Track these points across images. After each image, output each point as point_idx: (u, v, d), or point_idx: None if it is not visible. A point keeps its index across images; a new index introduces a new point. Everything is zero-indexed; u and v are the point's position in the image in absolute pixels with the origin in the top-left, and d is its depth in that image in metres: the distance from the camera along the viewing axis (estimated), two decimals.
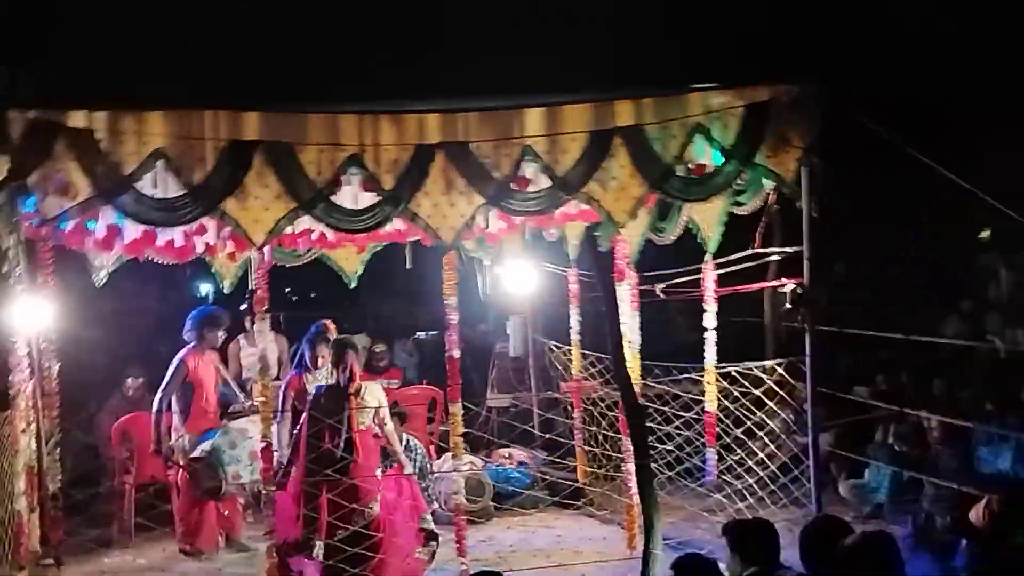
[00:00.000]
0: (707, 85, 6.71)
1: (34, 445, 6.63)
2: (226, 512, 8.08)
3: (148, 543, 8.44)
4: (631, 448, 7.02)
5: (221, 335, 8.51)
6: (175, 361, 8.12)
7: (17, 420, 6.35)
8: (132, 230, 7.32)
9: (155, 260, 8.07)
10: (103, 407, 9.56)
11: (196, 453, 7.77)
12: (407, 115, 6.40)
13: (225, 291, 9.28)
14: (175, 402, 8.03)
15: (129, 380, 9.64)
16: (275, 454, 6.67)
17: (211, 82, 6.40)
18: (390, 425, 7.14)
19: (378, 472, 6.99)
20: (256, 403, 7.51)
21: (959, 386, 9.75)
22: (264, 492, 6.65)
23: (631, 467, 7.15)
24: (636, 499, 7.06)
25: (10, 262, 6.24)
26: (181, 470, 7.91)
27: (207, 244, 8.28)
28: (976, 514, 6.12)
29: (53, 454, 6.83)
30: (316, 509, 6.68)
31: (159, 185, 6.47)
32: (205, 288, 16.67)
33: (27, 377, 6.50)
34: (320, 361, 7.54)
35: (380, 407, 7.00)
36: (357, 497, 6.70)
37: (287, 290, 16.33)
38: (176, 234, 7.86)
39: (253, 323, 8.11)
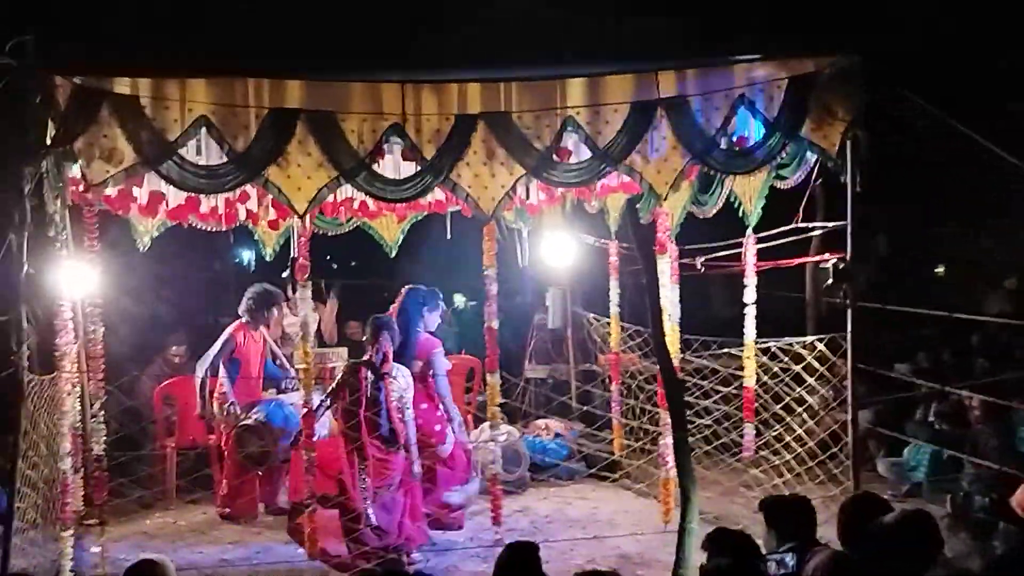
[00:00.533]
0: (751, 56, 6.63)
1: (79, 407, 6.74)
2: (269, 480, 8.15)
3: (188, 506, 8.58)
4: (669, 421, 7.02)
5: (275, 314, 8.55)
6: (224, 334, 8.18)
7: (63, 382, 6.45)
8: (176, 196, 7.40)
9: (198, 226, 8.14)
10: (145, 371, 9.70)
11: (248, 421, 7.82)
12: (449, 84, 6.38)
13: (267, 259, 9.34)
14: (223, 370, 8.08)
15: (173, 348, 9.77)
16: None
17: (254, 50, 6.38)
18: (410, 415, 7.12)
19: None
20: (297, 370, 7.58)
21: (1002, 365, 9.65)
22: (306, 458, 6.71)
23: (668, 441, 7.15)
24: (672, 473, 7.07)
25: (56, 227, 6.31)
26: (227, 436, 7.98)
27: (249, 211, 8.35)
28: (1018, 497, 6.08)
29: (97, 416, 6.95)
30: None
31: (203, 152, 6.53)
32: (247, 255, 16.80)
33: (72, 340, 6.59)
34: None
35: (404, 394, 7.04)
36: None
37: (327, 258, 16.42)
38: (219, 201, 7.94)
39: (295, 291, 8.16)
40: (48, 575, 6.32)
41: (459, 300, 12.69)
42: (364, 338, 7.22)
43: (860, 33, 6.56)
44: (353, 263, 16.47)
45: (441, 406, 7.55)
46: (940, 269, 13.09)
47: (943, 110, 6.48)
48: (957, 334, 10.52)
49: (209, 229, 8.25)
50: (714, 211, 7.86)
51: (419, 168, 6.45)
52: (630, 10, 6.97)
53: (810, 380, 7.51)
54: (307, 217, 6.50)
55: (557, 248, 9.91)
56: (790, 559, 4.49)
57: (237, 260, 16.92)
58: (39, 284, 6.28)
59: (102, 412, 6.99)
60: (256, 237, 9.03)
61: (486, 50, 6.50)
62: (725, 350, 8.29)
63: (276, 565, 7.00)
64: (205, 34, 6.51)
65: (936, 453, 8.28)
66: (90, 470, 6.91)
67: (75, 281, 6.62)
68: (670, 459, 7.15)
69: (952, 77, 8.89)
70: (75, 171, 6.10)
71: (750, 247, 7.83)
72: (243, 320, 8.27)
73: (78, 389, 6.73)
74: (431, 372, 7.56)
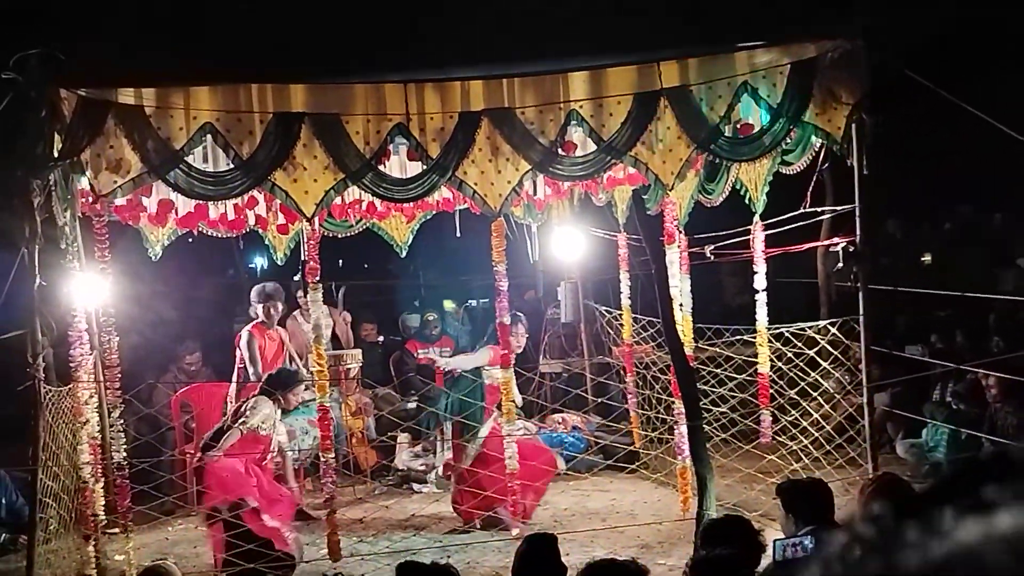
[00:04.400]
0: (753, 43, 6.62)
1: (97, 417, 6.78)
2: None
3: None
4: (683, 411, 7.03)
5: (281, 308, 8.57)
6: (244, 336, 8.21)
7: (80, 392, 6.50)
8: (185, 204, 7.44)
9: (208, 233, 8.19)
10: (161, 379, 9.75)
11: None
12: (451, 82, 6.40)
13: (279, 263, 9.38)
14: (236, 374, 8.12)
15: (187, 356, 9.82)
16: None
17: (256, 55, 6.42)
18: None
19: None
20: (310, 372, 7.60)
21: (1018, 343, 9.60)
22: (323, 460, 6.75)
23: (684, 430, 7.16)
24: (689, 461, 7.07)
25: (67, 239, 6.35)
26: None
27: (258, 217, 8.39)
28: None
29: (116, 425, 7.00)
30: None
31: (209, 159, 6.57)
32: (259, 261, 16.86)
33: (88, 351, 6.64)
34: None
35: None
36: None
37: (340, 262, 16.48)
38: (228, 207, 7.98)
39: (306, 294, 8.19)
40: None
41: (449, 306, 12.60)
42: (379, 339, 7.25)
43: (861, 15, 6.51)
44: (365, 265, 16.53)
45: None
46: (927, 258, 12.98)
47: (949, 90, 6.46)
48: (972, 314, 10.48)
49: (219, 236, 8.29)
50: (721, 199, 7.86)
51: (425, 167, 6.47)
52: (630, 1, 6.97)
53: (824, 364, 7.49)
54: (315, 220, 6.53)
55: (567, 242, 9.93)
56: (809, 542, 4.49)
57: (250, 266, 16.98)
58: (52, 296, 6.33)
59: (120, 421, 7.03)
60: (266, 242, 9.06)
61: (487, 47, 6.51)
62: (738, 337, 8.28)
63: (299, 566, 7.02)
64: (206, 42, 6.55)
65: (954, 433, 8.26)
66: (111, 478, 6.95)
67: (88, 292, 6.66)
68: (686, 448, 7.16)
69: (957, 55, 8.86)
70: (83, 183, 6.14)
71: (758, 234, 7.83)
72: (257, 321, 8.31)
73: (95, 399, 6.77)
74: None
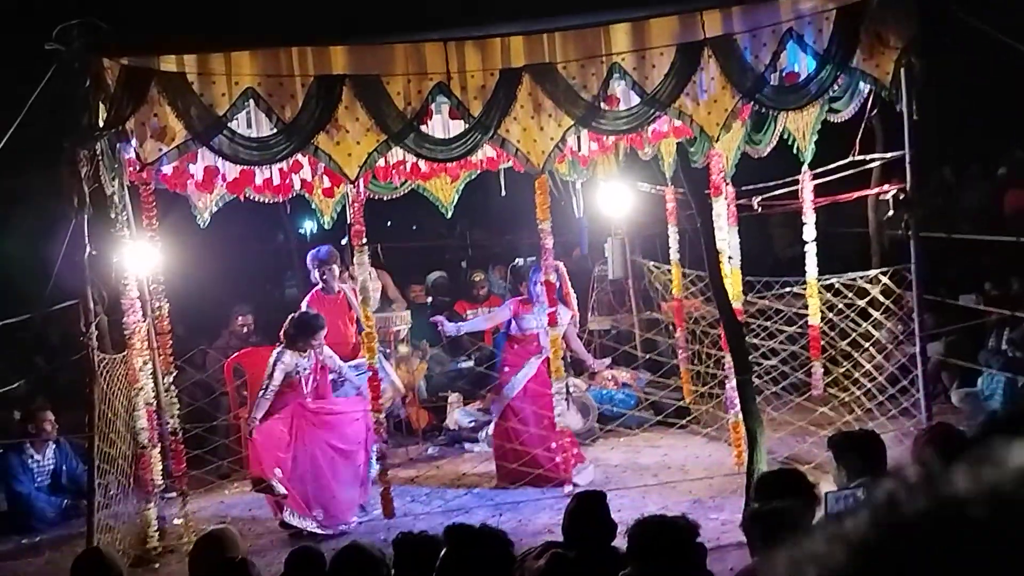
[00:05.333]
0: None
1: (151, 383, 6.89)
2: None
3: None
4: (733, 365, 6.98)
5: (337, 271, 8.54)
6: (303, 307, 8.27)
7: (134, 359, 6.60)
8: (230, 170, 7.47)
9: (255, 199, 8.22)
10: (213, 344, 9.86)
11: None
12: (492, 39, 6.35)
13: (326, 227, 9.40)
14: None
15: (239, 318, 9.90)
16: None
17: (295, 18, 6.42)
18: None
19: None
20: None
21: None
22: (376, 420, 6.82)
23: (734, 384, 7.11)
24: (740, 416, 7.03)
25: (115, 207, 6.42)
26: None
27: (304, 181, 8.41)
28: None
29: (170, 391, 7.10)
30: None
31: (252, 124, 6.59)
32: (308, 225, 16.94)
33: (141, 318, 6.72)
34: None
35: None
36: None
37: (388, 223, 16.52)
38: (273, 172, 8.01)
39: (352, 257, 8.21)
40: (134, 548, 6.51)
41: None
42: (428, 300, 7.27)
43: None
44: (414, 227, 16.55)
45: None
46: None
47: (1000, 29, 6.29)
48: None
49: (266, 201, 8.33)
50: (768, 149, 7.75)
51: (467, 126, 6.44)
52: None
53: (876, 315, 7.40)
54: (359, 182, 6.53)
55: (613, 198, 9.85)
56: (861, 494, 4.45)
57: (300, 231, 17.07)
58: (103, 265, 6.41)
59: (174, 387, 7.12)
60: (313, 206, 9.09)
61: (527, 1, 6.45)
62: (789, 290, 8.20)
63: (352, 532, 7.09)
64: (246, 6, 6.55)
65: (1011, 381, 8.12)
66: (167, 444, 7.06)
67: (138, 260, 6.74)
68: (737, 402, 7.11)
69: None
70: (130, 152, 6.19)
71: (807, 184, 7.71)
72: (317, 288, 8.34)
73: (149, 365, 6.87)
74: None
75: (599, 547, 4.21)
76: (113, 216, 6.42)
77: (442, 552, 3.63)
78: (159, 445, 6.97)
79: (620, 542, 4.20)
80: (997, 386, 8.30)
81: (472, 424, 9.33)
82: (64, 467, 8.04)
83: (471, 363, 10.06)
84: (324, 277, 8.32)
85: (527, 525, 6.88)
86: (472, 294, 10.79)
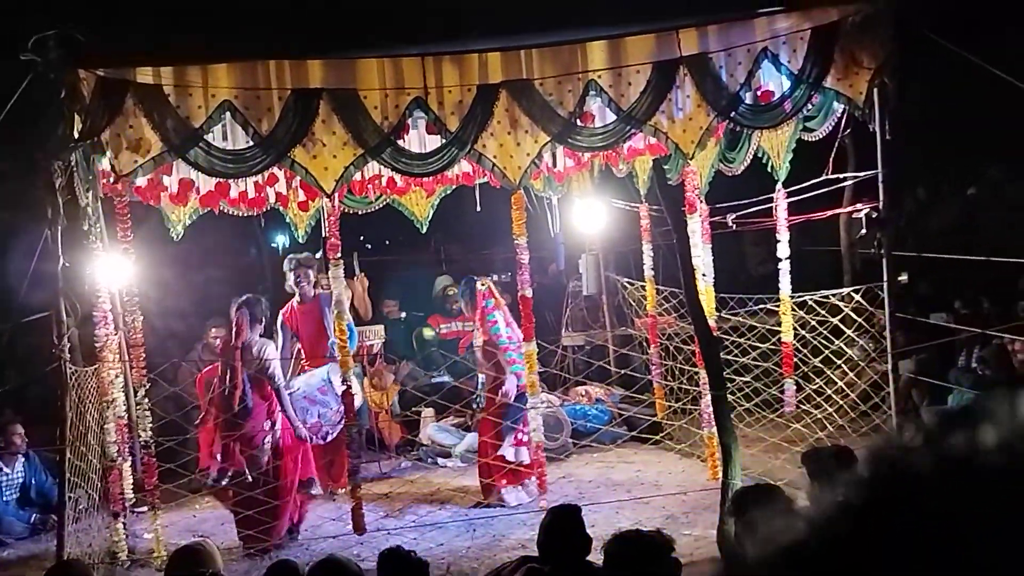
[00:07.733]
0: (773, 8, 6.55)
1: (123, 396, 6.83)
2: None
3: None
4: (707, 381, 7.01)
5: (313, 276, 8.44)
6: (278, 323, 8.21)
7: (105, 372, 6.54)
8: (205, 183, 7.45)
9: (230, 212, 8.19)
10: (186, 357, 9.78)
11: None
12: (469, 55, 6.37)
13: (300, 241, 9.38)
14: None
15: (212, 330, 9.83)
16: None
17: (273, 31, 6.40)
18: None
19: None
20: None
21: None
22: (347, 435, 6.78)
23: (708, 400, 7.14)
24: (714, 431, 7.06)
25: (89, 219, 6.37)
26: None
27: (279, 194, 8.39)
28: None
29: (142, 404, 7.04)
30: None
31: (229, 137, 6.57)
32: (281, 239, 16.88)
33: (113, 331, 6.67)
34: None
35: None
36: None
37: (361, 238, 16.48)
38: (248, 185, 7.99)
39: (327, 270, 8.17)
40: (104, 562, 6.44)
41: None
42: (401, 315, 7.28)
43: None
44: (387, 241, 16.53)
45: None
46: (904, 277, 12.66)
47: (976, 53, 6.36)
48: (999, 280, 10.37)
49: (240, 214, 8.29)
50: (742, 168, 7.81)
51: (444, 141, 6.45)
52: None
53: (848, 332, 7.45)
54: (335, 196, 6.53)
55: (587, 214, 9.89)
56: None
57: (272, 245, 17.00)
58: (76, 277, 6.36)
59: (146, 400, 7.07)
60: (287, 220, 9.07)
61: (504, 18, 6.48)
62: (762, 307, 8.24)
63: (324, 541, 7.06)
64: (223, 19, 6.53)
65: None
66: (139, 457, 7.00)
67: (111, 272, 6.69)
68: (711, 418, 7.14)
69: (981, 15, 8.73)
70: (104, 163, 6.15)
71: (781, 202, 7.77)
72: (292, 302, 8.29)
73: (121, 378, 6.81)
74: None
75: (574, 562, 4.20)
76: (86, 228, 6.37)
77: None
78: (130, 459, 6.91)
79: (595, 556, 4.20)
80: None
81: (445, 440, 9.31)
82: (33, 480, 7.95)
83: (445, 377, 10.05)
84: (299, 282, 8.26)
85: (501, 541, 6.87)
86: (446, 308, 10.79)
